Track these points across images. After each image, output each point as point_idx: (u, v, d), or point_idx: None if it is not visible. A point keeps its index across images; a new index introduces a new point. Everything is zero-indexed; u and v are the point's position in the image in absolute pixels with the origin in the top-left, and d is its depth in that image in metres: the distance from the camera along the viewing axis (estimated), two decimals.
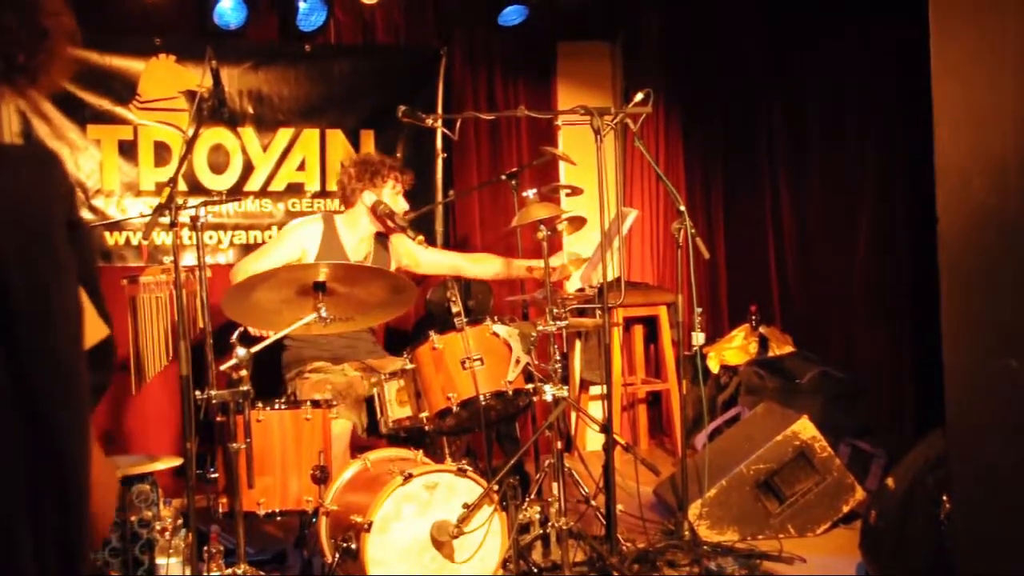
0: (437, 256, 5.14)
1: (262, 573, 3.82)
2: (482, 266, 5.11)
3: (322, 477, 3.89)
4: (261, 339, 3.89)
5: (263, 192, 6.06)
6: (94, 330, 1.15)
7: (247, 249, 5.90)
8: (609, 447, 4.27)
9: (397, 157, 5.68)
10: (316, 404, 4.04)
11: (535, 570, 4.09)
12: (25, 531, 0.99)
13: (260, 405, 3.92)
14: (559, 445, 4.25)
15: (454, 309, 4.01)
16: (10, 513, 0.99)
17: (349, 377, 4.56)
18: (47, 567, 1.01)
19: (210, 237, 5.90)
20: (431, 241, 5.93)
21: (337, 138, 6.20)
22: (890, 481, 4.00)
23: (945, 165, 2.55)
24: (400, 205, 4.80)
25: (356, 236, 4.82)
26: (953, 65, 2.53)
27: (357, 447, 4.40)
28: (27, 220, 1.05)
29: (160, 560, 3.87)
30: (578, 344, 6.81)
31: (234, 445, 3.69)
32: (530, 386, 4.13)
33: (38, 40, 1.14)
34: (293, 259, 4.61)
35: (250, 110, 6.01)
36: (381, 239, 4.91)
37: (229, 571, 3.74)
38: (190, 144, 4.01)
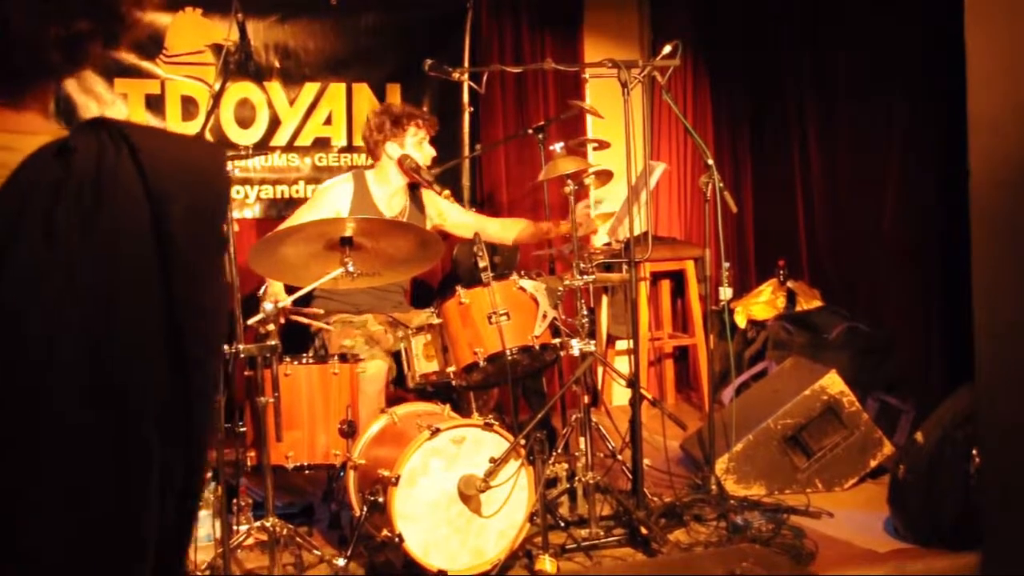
0: (463, 217, 5.10)
1: (290, 526, 3.85)
2: (507, 230, 5.02)
3: (349, 431, 3.91)
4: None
5: (290, 147, 6.04)
6: None
7: (274, 204, 5.92)
8: (636, 402, 4.27)
9: (420, 108, 5.65)
10: (344, 358, 4.06)
11: (562, 524, 4.11)
12: (155, 467, 1.08)
13: (288, 359, 3.94)
14: (586, 400, 4.25)
15: (481, 264, 3.99)
16: (147, 444, 1.07)
17: (372, 330, 4.56)
18: (167, 496, 1.10)
19: (237, 192, 5.90)
20: (458, 197, 5.90)
21: (363, 92, 6.17)
22: (919, 436, 3.99)
23: (977, 118, 2.52)
24: (426, 151, 4.76)
25: (388, 191, 4.79)
26: (986, 15, 2.49)
27: (385, 399, 4.41)
28: (202, 194, 1.14)
29: None
30: (605, 299, 6.80)
31: (262, 399, 3.72)
32: (557, 341, 4.12)
33: None
34: None
35: (276, 64, 5.99)
36: (414, 193, 4.88)
37: (258, 524, 3.78)
38: (217, 98, 4.02)
